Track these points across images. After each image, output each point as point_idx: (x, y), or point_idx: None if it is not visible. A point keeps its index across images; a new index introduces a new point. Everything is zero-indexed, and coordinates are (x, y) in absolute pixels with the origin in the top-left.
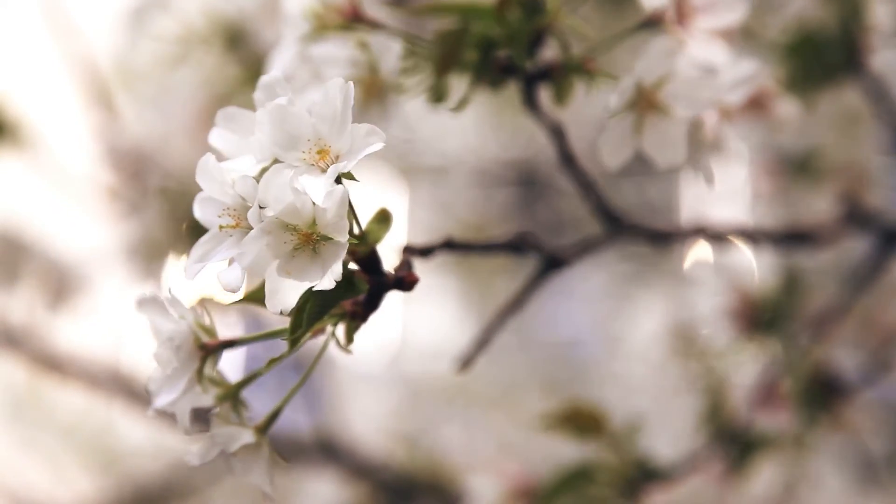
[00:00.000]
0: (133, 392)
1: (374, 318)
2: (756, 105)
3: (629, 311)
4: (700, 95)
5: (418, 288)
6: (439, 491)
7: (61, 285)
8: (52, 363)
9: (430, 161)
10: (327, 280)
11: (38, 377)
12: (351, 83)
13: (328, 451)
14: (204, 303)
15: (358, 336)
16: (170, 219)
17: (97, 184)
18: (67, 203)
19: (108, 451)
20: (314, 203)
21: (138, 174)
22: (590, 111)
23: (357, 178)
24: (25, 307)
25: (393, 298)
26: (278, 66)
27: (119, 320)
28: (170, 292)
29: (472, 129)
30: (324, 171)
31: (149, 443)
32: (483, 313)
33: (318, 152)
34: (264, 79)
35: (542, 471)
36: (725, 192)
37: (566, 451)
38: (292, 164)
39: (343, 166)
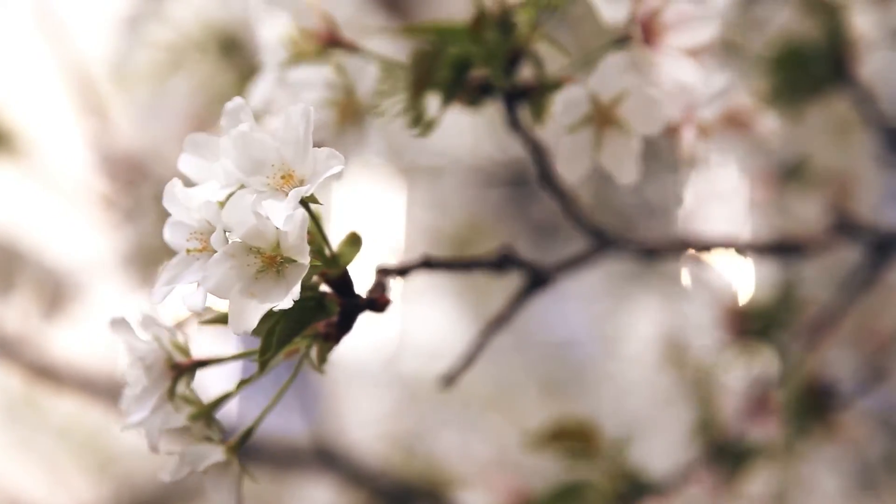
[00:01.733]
0: None
1: (370, 318)
2: (737, 122)
3: (625, 312)
4: (659, 113)
5: (416, 289)
6: (436, 497)
7: (56, 293)
8: (47, 371)
9: (427, 161)
10: (286, 300)
11: (33, 385)
12: (312, 108)
13: (324, 455)
14: (198, 321)
15: (355, 336)
16: (164, 226)
17: (92, 192)
18: (62, 211)
19: (104, 453)
20: (277, 227)
21: (133, 182)
22: None
23: (321, 201)
24: (21, 315)
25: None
26: (259, 93)
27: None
28: (146, 311)
29: (470, 129)
30: (288, 195)
31: (143, 446)
32: (480, 316)
33: (283, 177)
34: (228, 105)
35: (536, 479)
36: (723, 196)
37: (562, 457)
38: (257, 188)
39: (305, 190)
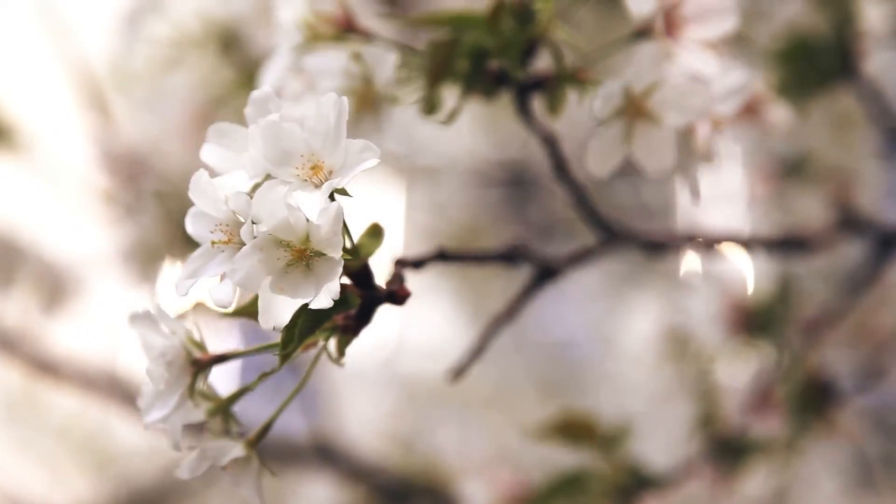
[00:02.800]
0: (128, 395)
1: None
2: (749, 111)
3: (623, 312)
4: (690, 104)
5: (415, 289)
6: (434, 493)
7: (56, 288)
8: (47, 366)
9: (425, 162)
10: (324, 299)
11: (33, 380)
12: (345, 98)
13: (324, 453)
14: (198, 312)
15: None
16: (165, 222)
17: (92, 187)
18: (63, 206)
19: (103, 453)
20: (308, 219)
21: (133, 177)
22: (583, 119)
23: (351, 193)
24: (21, 310)
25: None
26: (271, 77)
27: (114, 323)
28: (160, 307)
29: (468, 130)
30: (317, 186)
31: (144, 445)
32: (478, 315)
33: (312, 168)
34: (255, 94)
35: (535, 475)
36: (721, 195)
37: (561, 453)
38: (285, 179)
39: (337, 182)
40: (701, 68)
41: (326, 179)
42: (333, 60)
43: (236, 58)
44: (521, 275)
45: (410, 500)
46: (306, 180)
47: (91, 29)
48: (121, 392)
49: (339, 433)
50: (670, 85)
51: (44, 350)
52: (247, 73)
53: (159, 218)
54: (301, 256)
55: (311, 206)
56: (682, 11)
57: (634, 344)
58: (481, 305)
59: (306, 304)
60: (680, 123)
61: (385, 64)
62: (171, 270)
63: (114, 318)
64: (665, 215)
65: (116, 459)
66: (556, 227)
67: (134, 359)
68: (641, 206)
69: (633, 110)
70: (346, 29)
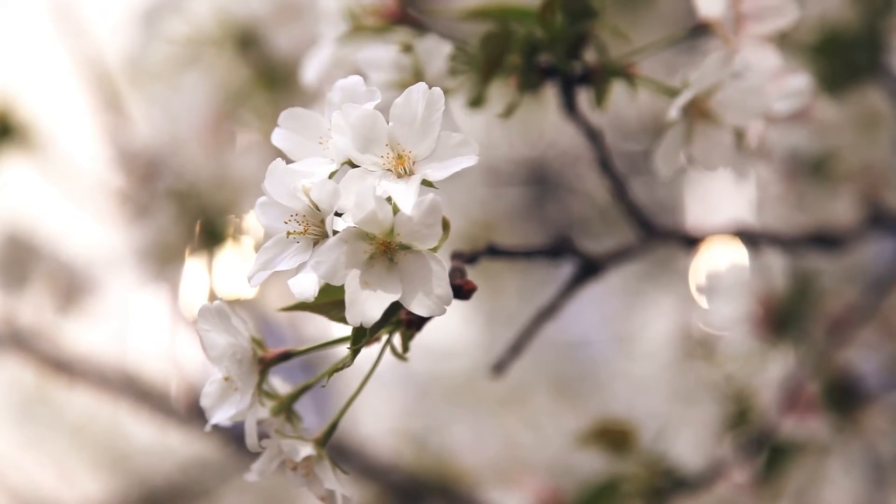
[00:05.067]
0: (141, 394)
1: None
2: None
3: (639, 310)
4: (750, 104)
5: None
6: (448, 492)
7: (71, 288)
8: (60, 365)
9: None
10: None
11: (46, 379)
12: (437, 89)
13: (336, 451)
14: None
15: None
16: (180, 221)
17: (107, 186)
18: (77, 206)
19: (115, 451)
20: (394, 211)
21: (149, 177)
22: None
23: (436, 185)
24: (35, 309)
25: None
26: (315, 67)
27: (128, 323)
28: (223, 304)
29: (483, 127)
30: (401, 176)
31: (156, 443)
32: (493, 312)
33: (398, 157)
34: (342, 82)
35: (555, 474)
36: (730, 192)
37: (576, 453)
38: (367, 168)
39: (429, 174)
40: (762, 63)
41: (411, 169)
42: (384, 53)
43: (253, 57)
44: (537, 274)
45: (423, 498)
46: (389, 170)
47: (107, 27)
48: (133, 391)
49: (352, 431)
50: (730, 85)
51: (58, 349)
52: (263, 72)
53: (174, 217)
54: (386, 249)
55: (404, 197)
56: (742, 8)
57: (650, 342)
58: (495, 303)
59: (397, 303)
60: (739, 123)
61: (438, 56)
62: (191, 269)
63: (127, 318)
64: (675, 212)
65: (129, 458)
66: (572, 225)
67: (146, 357)
68: (654, 204)
69: (695, 111)
70: (397, 20)
